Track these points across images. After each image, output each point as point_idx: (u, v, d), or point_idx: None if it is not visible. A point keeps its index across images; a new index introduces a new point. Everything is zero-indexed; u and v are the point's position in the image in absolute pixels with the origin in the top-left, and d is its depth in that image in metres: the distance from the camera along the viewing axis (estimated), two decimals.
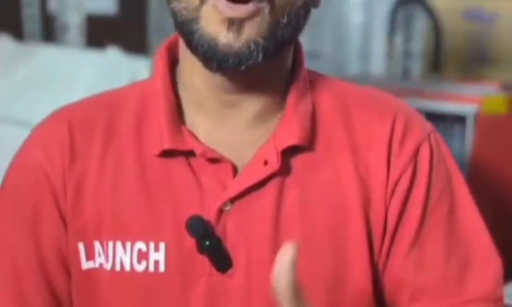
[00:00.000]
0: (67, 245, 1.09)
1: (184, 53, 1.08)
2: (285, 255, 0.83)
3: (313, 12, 1.22)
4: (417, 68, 2.60)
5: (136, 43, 2.45)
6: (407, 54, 2.55)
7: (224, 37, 1.00)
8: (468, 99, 1.81)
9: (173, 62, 1.12)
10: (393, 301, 1.08)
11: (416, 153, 1.09)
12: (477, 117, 1.77)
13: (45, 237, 1.10)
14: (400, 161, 1.08)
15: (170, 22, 1.43)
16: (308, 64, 1.14)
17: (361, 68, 2.52)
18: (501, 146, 1.83)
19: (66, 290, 1.10)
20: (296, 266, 0.83)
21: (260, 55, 1.00)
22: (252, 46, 1.01)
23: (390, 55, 2.41)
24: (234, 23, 0.99)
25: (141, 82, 1.18)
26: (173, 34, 1.43)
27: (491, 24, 2.98)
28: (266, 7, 1.00)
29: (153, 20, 2.78)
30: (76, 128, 1.11)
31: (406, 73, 2.59)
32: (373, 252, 1.08)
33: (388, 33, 2.37)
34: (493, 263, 1.11)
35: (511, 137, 1.83)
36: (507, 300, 1.31)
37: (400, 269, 1.08)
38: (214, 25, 1.01)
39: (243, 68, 1.00)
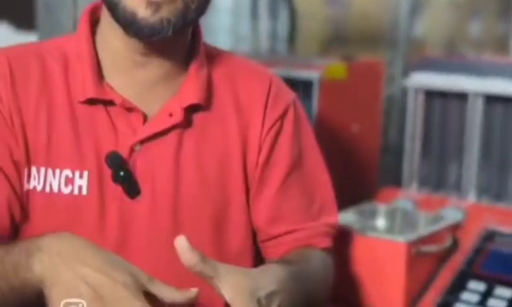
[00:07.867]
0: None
1: (106, 18, 1.23)
2: (180, 241, 0.99)
3: None
4: (280, 47, 2.86)
5: (24, 20, 2.58)
6: (270, 35, 2.82)
7: (142, 12, 1.15)
8: (315, 67, 2.07)
9: (94, 23, 1.27)
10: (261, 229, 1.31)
11: (285, 113, 1.31)
12: (321, 82, 2.03)
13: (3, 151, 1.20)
14: (271, 118, 1.29)
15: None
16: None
17: (231, 46, 2.74)
18: (342, 105, 2.11)
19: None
20: (190, 247, 0.98)
21: (170, 31, 1.16)
22: (165, 22, 1.16)
23: (255, 35, 2.65)
24: (152, 4, 1.15)
25: (64, 38, 1.31)
26: (61, 9, 1.66)
27: (347, 9, 3.32)
28: None
29: None
30: (14, 66, 1.22)
31: (270, 51, 2.84)
32: (249, 189, 1.29)
33: (252, 16, 2.61)
34: (335, 204, 1.37)
35: (349, 98, 2.11)
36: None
37: (266, 205, 1.30)
38: (134, 2, 1.15)
39: (155, 38, 1.17)
